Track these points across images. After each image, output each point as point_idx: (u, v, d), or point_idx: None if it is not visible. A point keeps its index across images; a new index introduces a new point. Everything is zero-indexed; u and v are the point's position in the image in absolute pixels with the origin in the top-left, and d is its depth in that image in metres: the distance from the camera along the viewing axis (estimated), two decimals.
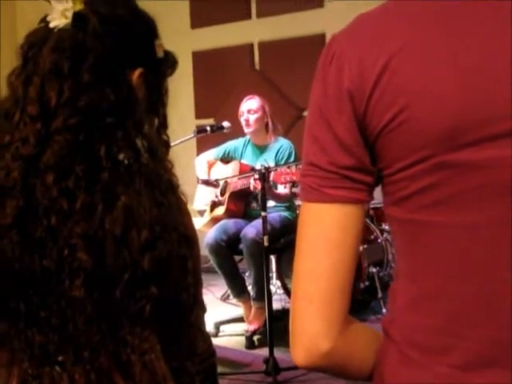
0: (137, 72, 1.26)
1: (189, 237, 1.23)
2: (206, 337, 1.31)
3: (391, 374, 0.92)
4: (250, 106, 4.86)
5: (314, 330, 0.91)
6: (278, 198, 4.71)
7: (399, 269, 0.95)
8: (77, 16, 1.21)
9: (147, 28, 1.30)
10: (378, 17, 0.91)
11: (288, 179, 4.15)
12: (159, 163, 1.22)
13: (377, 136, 0.87)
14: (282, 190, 4.64)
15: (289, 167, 4.24)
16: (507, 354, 0.83)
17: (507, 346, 0.83)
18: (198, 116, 7.29)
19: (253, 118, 4.83)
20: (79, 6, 1.21)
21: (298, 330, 0.93)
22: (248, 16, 7.12)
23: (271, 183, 4.26)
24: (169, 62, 1.34)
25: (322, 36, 6.63)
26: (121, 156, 1.16)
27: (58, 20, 1.20)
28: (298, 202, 5.17)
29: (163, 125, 1.32)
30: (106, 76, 1.20)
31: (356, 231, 0.92)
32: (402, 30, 0.86)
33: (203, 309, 1.30)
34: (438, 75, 0.82)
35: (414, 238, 0.89)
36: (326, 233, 0.91)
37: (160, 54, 1.31)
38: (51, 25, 1.21)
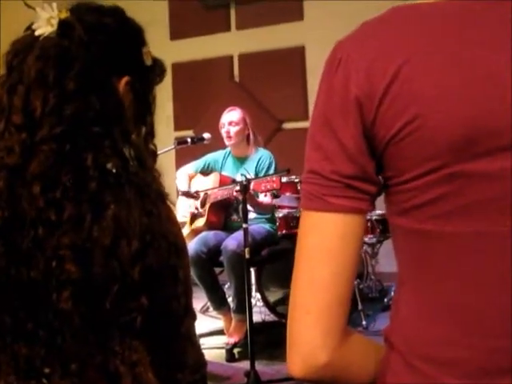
0: (123, 80, 1.24)
1: (179, 246, 1.21)
2: (197, 347, 1.30)
3: None
4: (231, 118, 4.84)
5: (311, 342, 0.89)
6: (261, 206, 4.69)
7: (404, 279, 0.93)
8: (62, 24, 1.19)
9: (134, 36, 1.29)
10: (384, 24, 0.89)
11: (268, 187, 4.14)
12: (148, 172, 1.21)
13: (386, 144, 0.86)
14: (263, 199, 4.63)
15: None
16: None
17: None
18: (176, 128, 7.27)
19: (234, 130, 4.81)
20: (65, 14, 1.20)
21: (295, 341, 0.91)
22: (228, 28, 7.14)
23: (252, 192, 4.24)
24: (157, 70, 1.33)
25: (302, 48, 6.67)
26: (109, 165, 1.15)
27: (44, 28, 1.19)
28: (278, 214, 5.18)
29: (150, 133, 1.31)
30: (92, 84, 1.18)
31: (356, 241, 0.90)
32: (411, 38, 0.85)
33: (193, 317, 1.28)
34: (450, 84, 0.81)
35: (422, 248, 0.88)
36: (326, 242, 0.89)
37: (148, 62, 1.29)
38: (37, 33, 1.19)
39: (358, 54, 0.88)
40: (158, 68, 1.33)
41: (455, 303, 0.86)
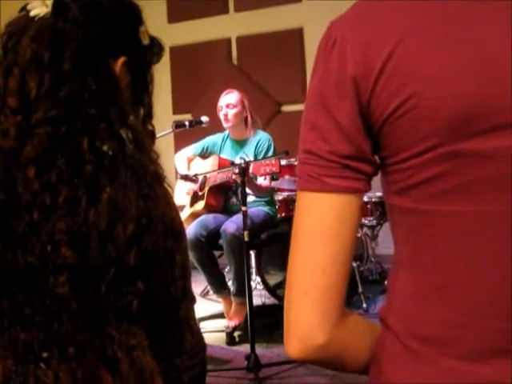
0: (120, 60, 1.23)
1: (176, 229, 1.20)
2: (196, 331, 1.29)
3: (392, 367, 0.90)
4: (229, 101, 4.82)
5: (309, 322, 0.89)
6: (260, 189, 4.68)
7: (401, 259, 0.93)
8: (57, 4, 1.18)
9: (131, 15, 1.27)
10: (377, 3, 0.88)
11: (268, 171, 4.12)
12: (145, 154, 1.19)
13: (382, 124, 0.85)
14: (262, 182, 4.62)
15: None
16: None
17: None
18: (175, 111, 7.24)
19: (232, 112, 4.80)
20: None
21: (293, 322, 0.90)
22: (226, 10, 7.10)
23: (251, 175, 4.23)
24: (154, 49, 1.31)
25: (300, 30, 6.64)
26: (105, 147, 1.13)
27: (39, 8, 1.17)
28: (277, 197, 5.17)
29: (148, 114, 1.29)
30: (88, 65, 1.17)
31: (353, 221, 0.90)
32: (406, 17, 0.84)
33: (193, 300, 1.28)
34: (446, 63, 0.80)
35: (419, 227, 0.87)
36: (323, 223, 0.89)
37: (145, 42, 1.28)
38: (32, 13, 1.18)
39: (352, 33, 0.87)
40: (155, 47, 1.31)
41: (453, 283, 0.85)
